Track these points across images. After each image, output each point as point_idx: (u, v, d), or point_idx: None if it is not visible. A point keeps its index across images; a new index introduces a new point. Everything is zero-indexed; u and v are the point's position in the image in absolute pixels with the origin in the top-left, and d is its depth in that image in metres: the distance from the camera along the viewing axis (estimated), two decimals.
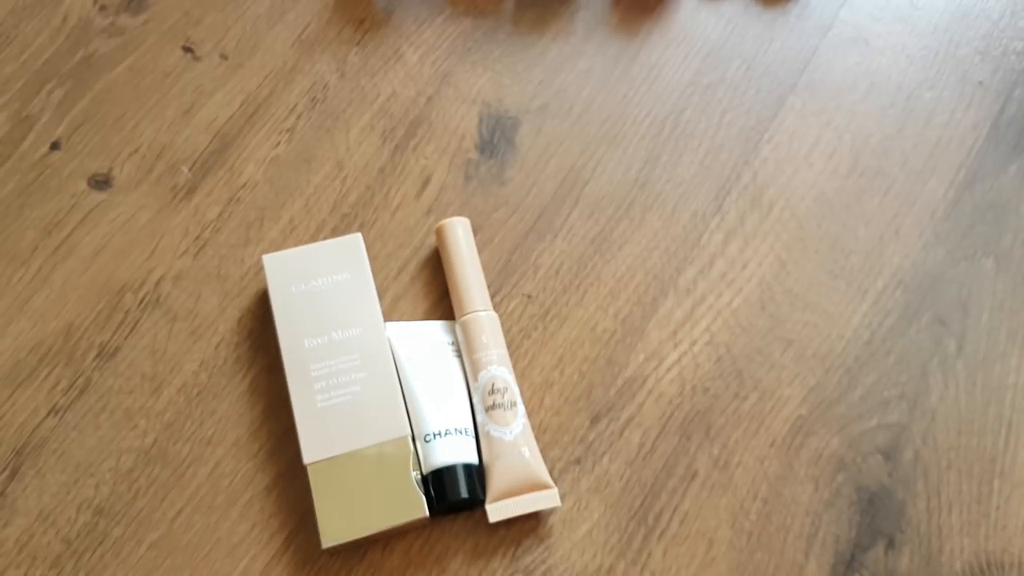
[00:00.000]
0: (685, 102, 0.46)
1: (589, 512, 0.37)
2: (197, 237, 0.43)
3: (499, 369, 0.38)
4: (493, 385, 0.38)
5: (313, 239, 0.43)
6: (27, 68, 0.47)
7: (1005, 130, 0.45)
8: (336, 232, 0.43)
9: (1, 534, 0.37)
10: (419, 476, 0.36)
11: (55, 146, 0.45)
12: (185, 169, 0.45)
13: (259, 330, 0.41)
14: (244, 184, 0.44)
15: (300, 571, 0.36)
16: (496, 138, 0.45)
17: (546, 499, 0.37)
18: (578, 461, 0.38)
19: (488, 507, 0.36)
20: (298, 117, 0.46)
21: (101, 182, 0.44)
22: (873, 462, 0.38)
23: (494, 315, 0.40)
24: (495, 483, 0.37)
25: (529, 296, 0.42)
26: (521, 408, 0.38)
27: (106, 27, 0.48)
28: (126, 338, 0.41)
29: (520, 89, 0.47)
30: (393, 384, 0.38)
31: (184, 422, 0.39)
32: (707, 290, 0.42)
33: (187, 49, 0.47)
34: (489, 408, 0.38)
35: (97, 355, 0.40)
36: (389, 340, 0.39)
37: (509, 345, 0.40)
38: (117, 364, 0.40)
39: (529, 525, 0.37)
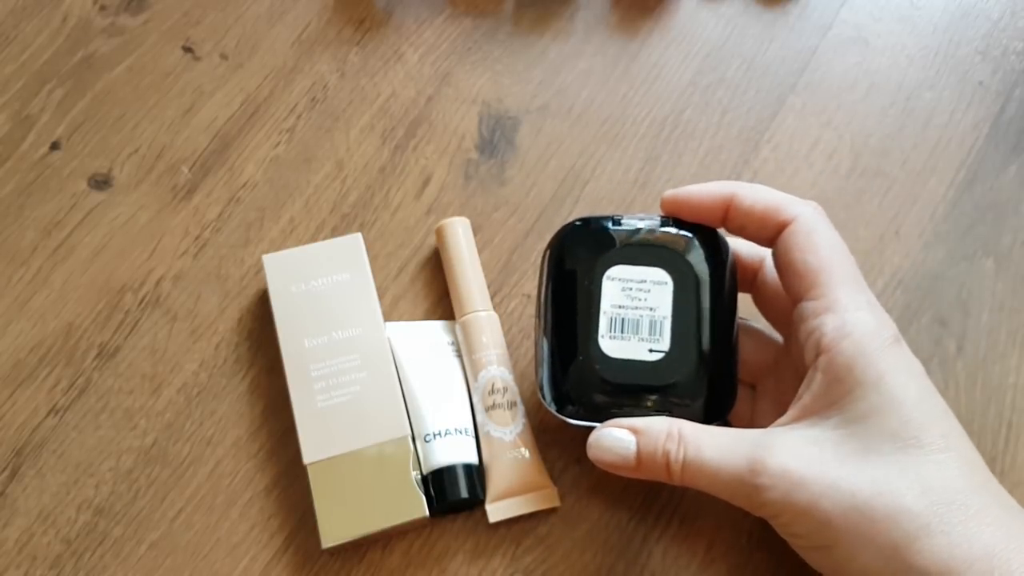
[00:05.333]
0: (685, 102, 0.46)
1: (589, 512, 0.37)
2: (197, 237, 0.43)
3: (499, 369, 0.38)
4: (493, 385, 0.38)
5: (313, 239, 0.43)
6: (27, 68, 0.47)
7: (1005, 130, 0.45)
8: (336, 232, 0.43)
9: (1, 534, 0.37)
10: (419, 476, 0.36)
11: (55, 146, 0.45)
12: (185, 169, 0.45)
13: (259, 330, 0.41)
14: (244, 184, 0.44)
15: (300, 571, 0.36)
16: (496, 138, 0.45)
17: (546, 499, 0.37)
18: (578, 461, 0.38)
19: (488, 507, 0.36)
20: (298, 117, 0.46)
21: (101, 182, 0.44)
22: None
23: (494, 315, 0.40)
24: (495, 483, 0.37)
25: (529, 296, 0.42)
26: (521, 408, 0.38)
27: (106, 27, 0.48)
28: (126, 338, 0.41)
29: (520, 89, 0.47)
30: (393, 384, 0.38)
31: (184, 422, 0.39)
32: None
33: (187, 49, 0.47)
34: (489, 408, 0.38)
35: (97, 355, 0.40)
36: (389, 340, 0.39)
37: (509, 345, 0.40)
38: (117, 364, 0.40)
39: (529, 525, 0.37)
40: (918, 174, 0.44)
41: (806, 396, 0.30)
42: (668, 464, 0.30)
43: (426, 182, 0.44)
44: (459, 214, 0.43)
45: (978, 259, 0.42)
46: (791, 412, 0.31)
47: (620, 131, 0.46)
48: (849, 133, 0.45)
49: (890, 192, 0.44)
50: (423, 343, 0.39)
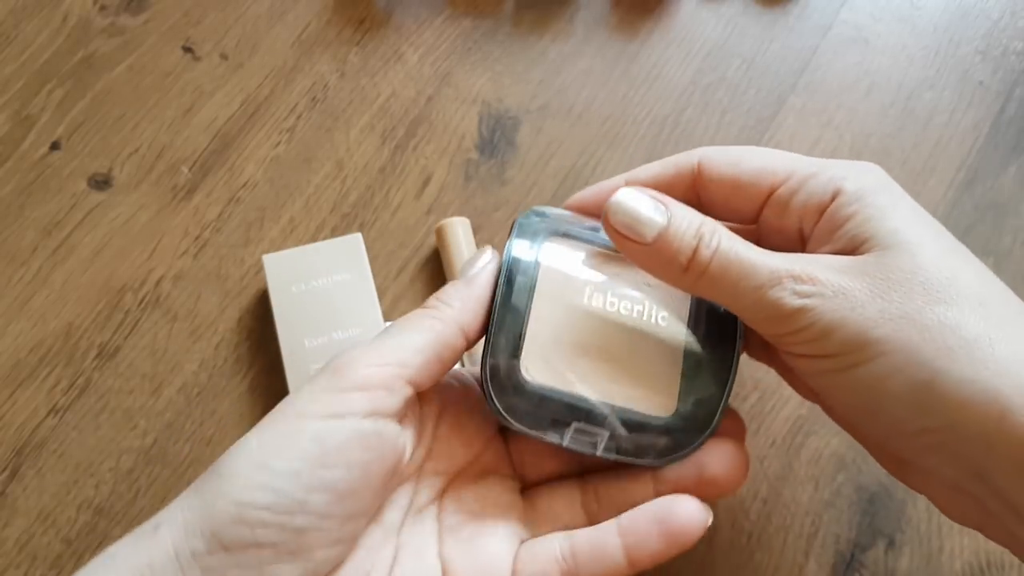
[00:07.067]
0: (685, 102, 0.46)
1: None
2: (197, 237, 0.43)
3: None
4: None
5: (313, 239, 0.43)
6: (27, 68, 0.47)
7: (1005, 130, 0.45)
8: (336, 232, 0.43)
9: (1, 534, 0.37)
10: None
11: (55, 146, 0.45)
12: (185, 169, 0.45)
13: (259, 330, 0.41)
14: (244, 184, 0.44)
15: None
16: (496, 138, 0.45)
17: None
18: None
19: None
20: (298, 117, 0.46)
21: (101, 182, 0.44)
22: (873, 462, 0.38)
23: None
24: None
25: None
26: None
27: (106, 27, 0.48)
28: (126, 338, 0.41)
29: (520, 89, 0.47)
30: None
31: (184, 422, 0.39)
32: None
33: (187, 49, 0.47)
34: None
35: (97, 355, 0.40)
36: None
37: None
38: (117, 364, 0.40)
39: None
40: (918, 174, 0.44)
41: (827, 247, 0.27)
42: (698, 248, 0.26)
43: (426, 182, 0.44)
44: (459, 214, 0.43)
45: (978, 259, 0.42)
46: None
47: (620, 131, 0.46)
48: (849, 133, 0.45)
49: None
50: None
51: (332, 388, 0.26)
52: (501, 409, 0.28)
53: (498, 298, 0.29)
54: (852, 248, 0.27)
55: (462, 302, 0.28)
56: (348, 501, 0.25)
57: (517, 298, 0.29)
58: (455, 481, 0.30)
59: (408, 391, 0.27)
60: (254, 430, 0.25)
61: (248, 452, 0.25)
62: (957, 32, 0.48)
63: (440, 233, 0.41)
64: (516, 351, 0.29)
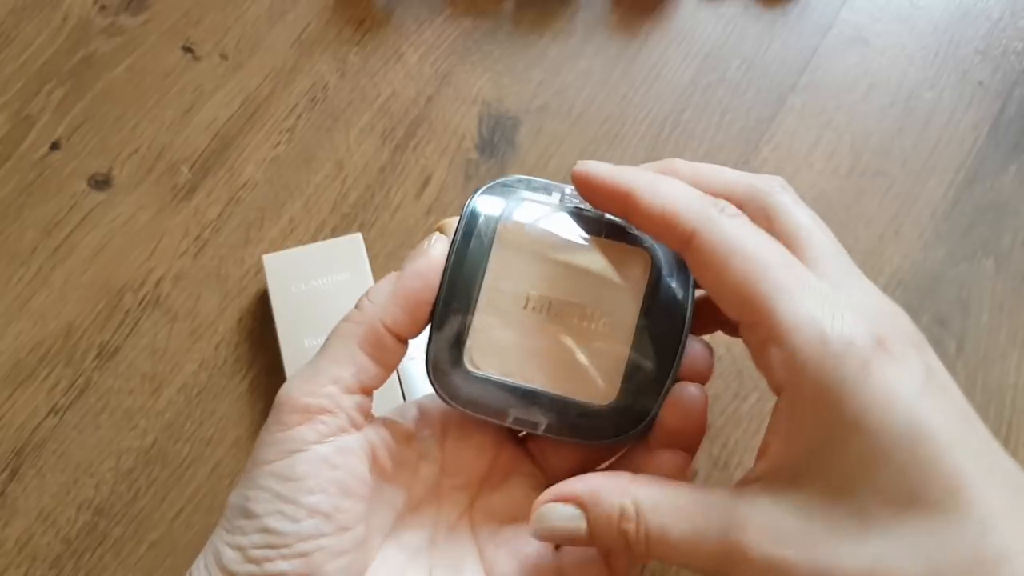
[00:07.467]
0: (685, 102, 0.46)
1: None
2: (197, 237, 0.43)
3: None
4: None
5: (313, 239, 0.43)
6: (27, 68, 0.47)
7: (1005, 130, 0.45)
8: (336, 232, 0.43)
9: (1, 534, 0.37)
10: None
11: (55, 146, 0.45)
12: (185, 169, 0.45)
13: (259, 330, 0.41)
14: (244, 184, 0.44)
15: None
16: (496, 138, 0.45)
17: None
18: None
19: None
20: (298, 117, 0.46)
21: (101, 182, 0.44)
22: None
23: None
24: None
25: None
26: None
27: (106, 27, 0.48)
28: (126, 338, 0.41)
29: (520, 89, 0.47)
30: (393, 383, 0.38)
31: (184, 422, 0.39)
32: None
33: (187, 49, 0.47)
34: None
35: (97, 355, 0.40)
36: None
37: None
38: (117, 364, 0.40)
39: None
40: (918, 174, 0.44)
41: (776, 444, 0.25)
42: (628, 545, 0.25)
43: (426, 182, 0.44)
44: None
45: (978, 259, 0.42)
46: (763, 464, 0.25)
47: (620, 131, 0.46)
48: (849, 133, 0.45)
49: (890, 192, 0.44)
50: (423, 342, 0.39)
51: (280, 426, 0.26)
52: (443, 393, 0.29)
53: (445, 282, 0.29)
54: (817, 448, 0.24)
55: (386, 296, 0.28)
56: (338, 515, 0.26)
57: (465, 282, 0.29)
58: (481, 492, 0.30)
59: (355, 398, 0.27)
60: (235, 487, 0.27)
61: (234, 505, 0.26)
62: (957, 32, 0.48)
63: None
64: (461, 336, 0.29)
